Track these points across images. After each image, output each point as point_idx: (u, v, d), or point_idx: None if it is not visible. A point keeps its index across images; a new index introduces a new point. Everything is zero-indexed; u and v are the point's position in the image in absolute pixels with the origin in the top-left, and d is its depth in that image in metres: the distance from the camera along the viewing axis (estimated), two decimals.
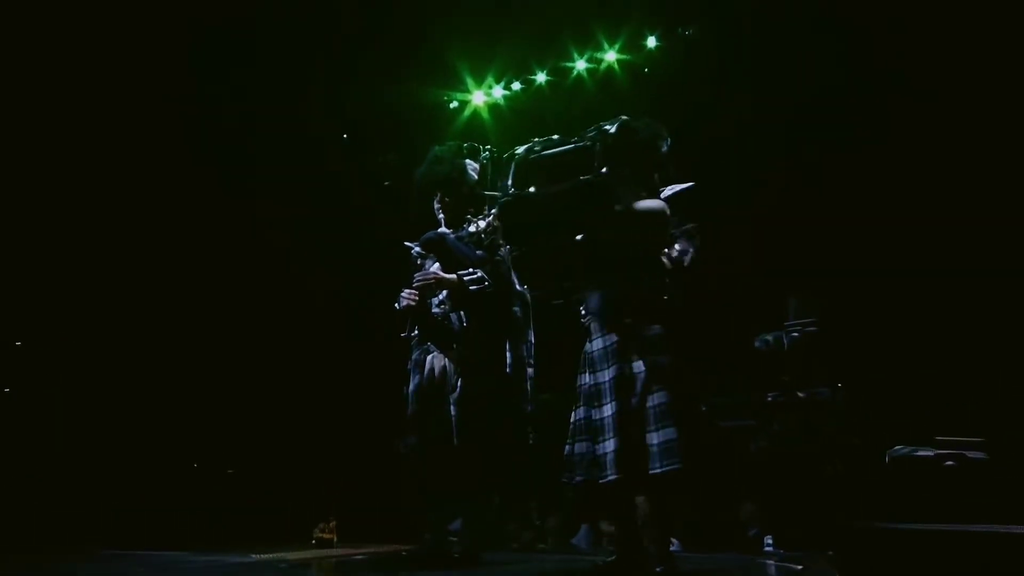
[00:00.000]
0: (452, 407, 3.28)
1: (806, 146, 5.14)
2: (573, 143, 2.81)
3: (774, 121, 5.25)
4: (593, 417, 2.87)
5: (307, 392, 5.68)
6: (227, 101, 5.61)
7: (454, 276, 3.30)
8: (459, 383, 3.29)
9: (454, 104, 6.43)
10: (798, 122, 5.17)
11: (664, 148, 3.07)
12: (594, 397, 2.89)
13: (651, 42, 5.94)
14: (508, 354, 3.36)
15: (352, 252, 5.91)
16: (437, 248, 3.40)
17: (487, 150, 3.66)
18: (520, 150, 2.93)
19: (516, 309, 3.43)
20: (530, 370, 3.43)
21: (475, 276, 3.28)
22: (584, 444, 2.91)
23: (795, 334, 4.62)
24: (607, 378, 2.87)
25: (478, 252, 3.39)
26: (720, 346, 4.64)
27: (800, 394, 4.52)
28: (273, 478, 5.48)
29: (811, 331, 4.60)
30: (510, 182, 2.87)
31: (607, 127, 2.76)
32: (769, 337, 4.70)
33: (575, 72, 6.15)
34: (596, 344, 2.96)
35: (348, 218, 6.04)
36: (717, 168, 4.83)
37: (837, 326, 4.64)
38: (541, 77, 6.25)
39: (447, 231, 3.48)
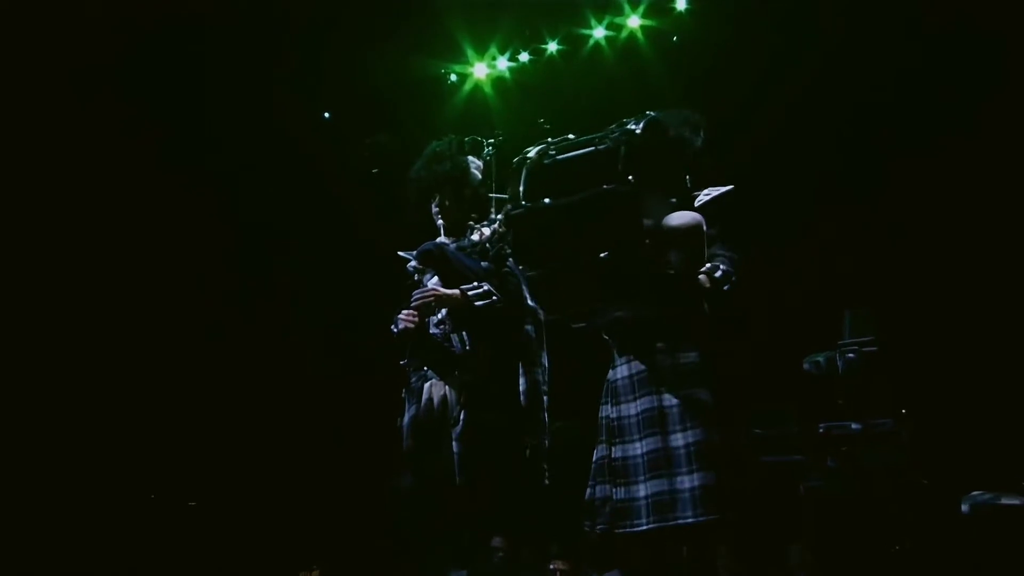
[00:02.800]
0: (454, 443, 3.13)
1: (875, 135, 4.89)
2: (593, 145, 2.62)
3: (834, 106, 4.98)
4: (614, 456, 2.79)
5: (285, 419, 5.50)
6: (183, 74, 5.37)
7: (457, 292, 3.15)
8: (462, 415, 3.15)
9: (452, 78, 6.24)
10: (865, 107, 4.90)
11: (698, 142, 2.90)
12: (616, 433, 2.81)
13: (681, 4, 5.70)
14: (521, 379, 3.21)
15: (336, 255, 5.72)
16: (436, 261, 3.24)
17: (491, 144, 3.49)
18: (532, 153, 2.73)
19: (529, 328, 3.26)
20: (544, 398, 3.27)
21: (481, 291, 3.14)
22: (606, 487, 2.78)
23: (851, 355, 4.41)
24: (633, 412, 2.78)
25: (483, 264, 3.25)
26: (763, 368, 4.47)
27: (857, 425, 4.32)
28: (246, 515, 5.29)
29: (870, 351, 4.40)
30: (521, 190, 2.68)
31: (632, 126, 2.57)
32: (820, 358, 4.49)
33: (592, 41, 5.94)
34: (621, 371, 2.86)
35: (330, 214, 5.85)
36: (762, 162, 4.65)
37: (901, 344, 4.49)
38: (552, 46, 6.04)
39: (447, 241, 3.35)
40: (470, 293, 3.12)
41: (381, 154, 5.87)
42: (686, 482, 2.63)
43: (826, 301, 4.73)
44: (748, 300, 3.13)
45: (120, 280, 5.27)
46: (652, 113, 2.65)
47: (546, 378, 3.27)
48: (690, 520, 2.59)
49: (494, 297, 3.12)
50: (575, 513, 2.89)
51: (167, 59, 5.30)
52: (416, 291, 3.23)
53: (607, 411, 2.84)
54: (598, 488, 2.80)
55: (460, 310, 3.16)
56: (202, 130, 5.57)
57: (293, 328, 5.74)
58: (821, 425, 4.41)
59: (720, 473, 2.62)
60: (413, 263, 3.31)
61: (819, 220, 4.90)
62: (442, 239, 3.34)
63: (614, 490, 2.74)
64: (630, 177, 2.47)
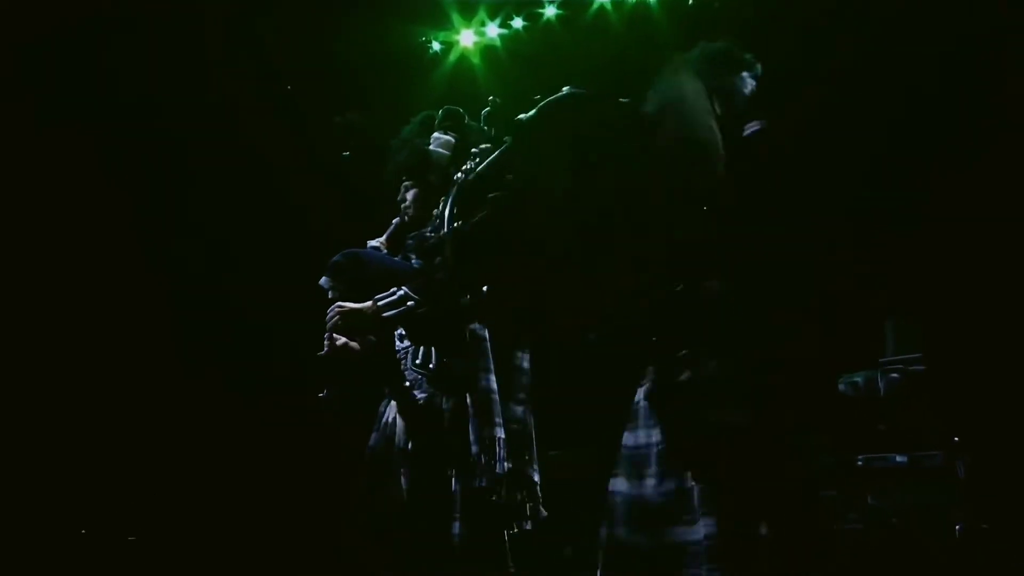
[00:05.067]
0: (402, 477, 2.98)
1: (930, 116, 4.63)
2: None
3: (875, 93, 4.71)
4: (631, 492, 2.61)
5: (235, 445, 5.29)
6: (113, 38, 5.06)
7: (369, 303, 3.00)
8: (409, 445, 3.00)
9: (435, 47, 6.07)
10: (919, 88, 4.62)
11: (745, 87, 2.74)
12: (636, 466, 2.62)
13: None
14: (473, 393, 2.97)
15: (296, 254, 5.25)
16: (348, 272, 3.12)
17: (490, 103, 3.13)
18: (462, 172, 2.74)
19: (475, 327, 3.02)
20: (519, 409, 3.01)
21: (393, 298, 2.98)
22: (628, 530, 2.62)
23: (895, 374, 4.31)
24: (654, 440, 2.59)
25: (413, 260, 3.17)
26: (791, 390, 4.17)
27: (901, 457, 4.18)
28: (192, 553, 5.07)
29: (917, 369, 4.28)
30: (447, 214, 2.61)
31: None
32: (859, 378, 4.40)
33: (595, 4, 5.77)
34: (639, 393, 2.70)
35: (290, 206, 5.60)
36: (791, 150, 4.32)
37: (954, 362, 4.33)
38: (550, 11, 5.89)
39: (376, 244, 3.30)
40: (380, 303, 2.97)
41: (352, 135, 5.51)
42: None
43: (866, 310, 4.53)
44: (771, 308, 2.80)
45: (33, 281, 5.05)
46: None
47: (522, 383, 3.03)
48: None
49: (410, 302, 2.95)
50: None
51: (100, 22, 5.04)
52: (329, 310, 3.09)
53: (629, 439, 2.73)
54: (619, 529, 2.69)
55: (409, 320, 2.98)
56: (136, 109, 5.28)
57: (238, 342, 5.50)
58: (860, 457, 4.29)
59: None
60: (324, 279, 3.13)
61: (860, 214, 4.62)
62: (373, 242, 3.29)
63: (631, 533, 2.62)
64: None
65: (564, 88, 2.46)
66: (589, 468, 3.17)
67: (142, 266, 5.33)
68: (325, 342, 3.01)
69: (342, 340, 3.00)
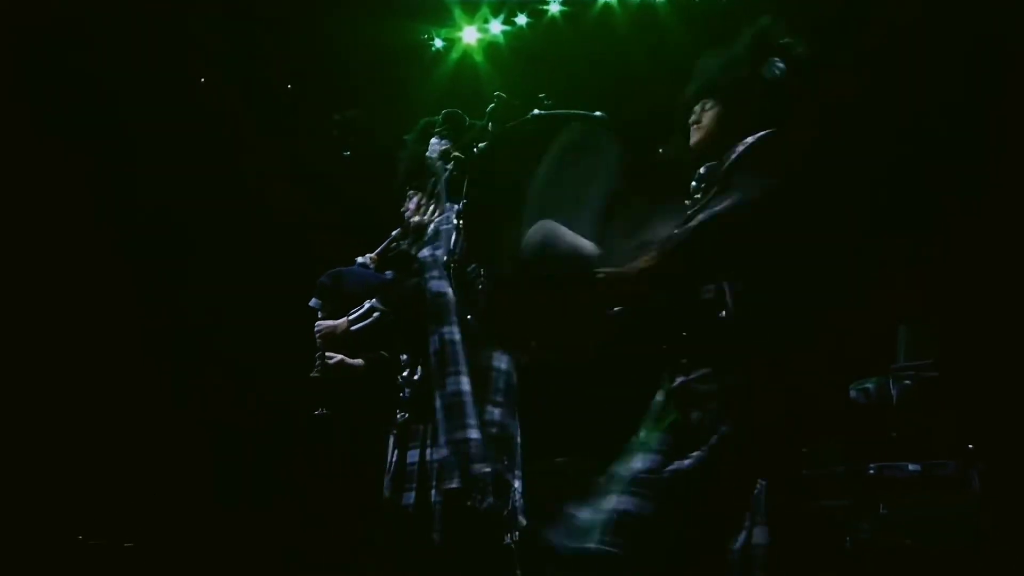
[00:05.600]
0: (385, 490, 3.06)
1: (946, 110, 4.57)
2: None
3: (893, 85, 4.63)
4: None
5: (235, 454, 5.28)
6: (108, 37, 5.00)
7: (343, 320, 3.11)
8: (394, 456, 3.05)
9: (437, 44, 6.00)
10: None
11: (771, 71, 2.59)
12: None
13: None
14: (436, 395, 2.92)
15: (292, 261, 5.23)
16: (332, 292, 3.22)
17: (495, 99, 3.07)
18: None
19: (445, 330, 2.95)
20: (496, 412, 2.97)
21: (361, 310, 3.08)
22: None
23: (907, 380, 4.25)
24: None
25: (387, 273, 3.25)
26: (801, 396, 4.20)
27: (914, 466, 4.12)
28: (189, 562, 4.99)
29: (930, 376, 4.23)
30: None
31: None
32: (870, 384, 4.33)
33: (600, 1, 5.70)
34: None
35: (285, 209, 5.50)
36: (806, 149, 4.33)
37: (969, 367, 4.29)
38: (555, 7, 5.81)
39: (364, 261, 3.32)
40: (351, 317, 3.08)
41: (352, 134, 5.68)
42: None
43: (878, 316, 4.50)
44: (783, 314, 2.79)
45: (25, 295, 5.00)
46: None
47: (503, 387, 2.99)
48: None
49: (376, 313, 3.03)
50: None
51: (96, 21, 4.98)
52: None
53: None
54: None
55: (378, 331, 3.07)
56: (131, 108, 5.20)
57: (230, 360, 5.40)
58: (871, 465, 4.21)
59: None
60: (313, 300, 3.23)
61: (870, 215, 4.61)
62: (359, 261, 3.32)
63: None
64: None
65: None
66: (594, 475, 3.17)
67: (140, 274, 5.29)
68: (316, 362, 3.08)
69: (337, 358, 3.06)
